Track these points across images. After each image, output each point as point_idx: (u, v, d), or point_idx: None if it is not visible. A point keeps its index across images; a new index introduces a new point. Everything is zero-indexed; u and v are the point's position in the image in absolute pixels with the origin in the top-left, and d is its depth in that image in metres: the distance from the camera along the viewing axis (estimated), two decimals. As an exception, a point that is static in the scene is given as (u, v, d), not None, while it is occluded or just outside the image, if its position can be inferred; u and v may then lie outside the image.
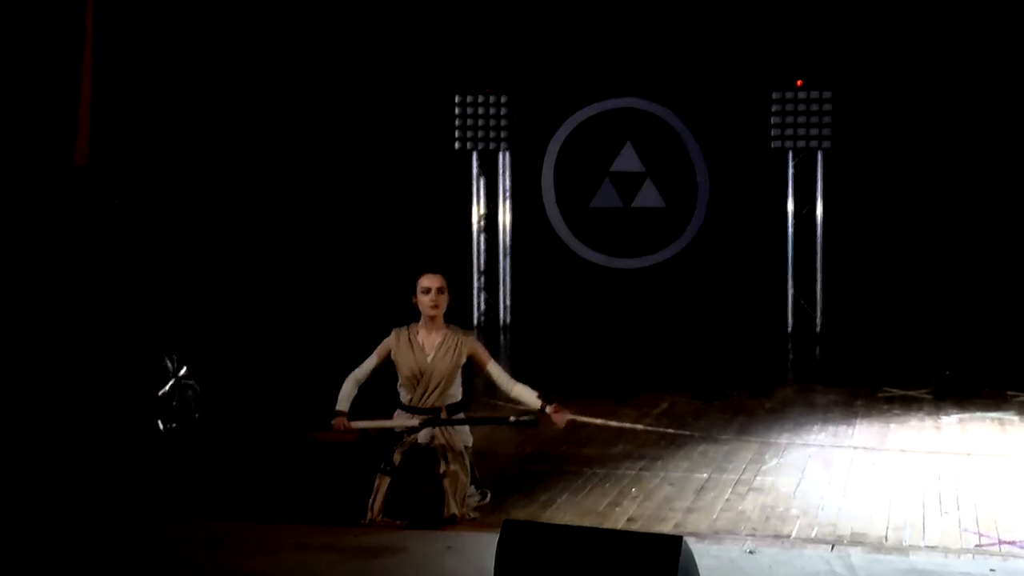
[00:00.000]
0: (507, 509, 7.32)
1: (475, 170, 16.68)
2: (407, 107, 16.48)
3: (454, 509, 7.23)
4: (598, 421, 10.16)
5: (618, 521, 7.25)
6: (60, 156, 12.77)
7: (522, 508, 7.44)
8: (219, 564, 6.40)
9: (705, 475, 8.36)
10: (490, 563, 5.48)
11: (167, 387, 9.69)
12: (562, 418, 7.43)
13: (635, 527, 7.06)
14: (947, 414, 10.55)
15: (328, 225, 16.36)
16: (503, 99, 16.39)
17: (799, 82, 15.48)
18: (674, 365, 13.66)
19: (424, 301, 7.42)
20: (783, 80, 15.55)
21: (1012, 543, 6.85)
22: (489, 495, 7.52)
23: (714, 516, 7.39)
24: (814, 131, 15.48)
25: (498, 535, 5.50)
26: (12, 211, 11.83)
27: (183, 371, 9.86)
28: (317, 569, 6.34)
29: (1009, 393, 11.41)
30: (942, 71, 15.36)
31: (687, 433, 9.73)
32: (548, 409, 7.42)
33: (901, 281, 15.58)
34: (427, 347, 7.46)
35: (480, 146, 16.54)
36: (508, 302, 16.67)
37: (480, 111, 16.44)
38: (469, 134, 16.50)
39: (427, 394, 7.41)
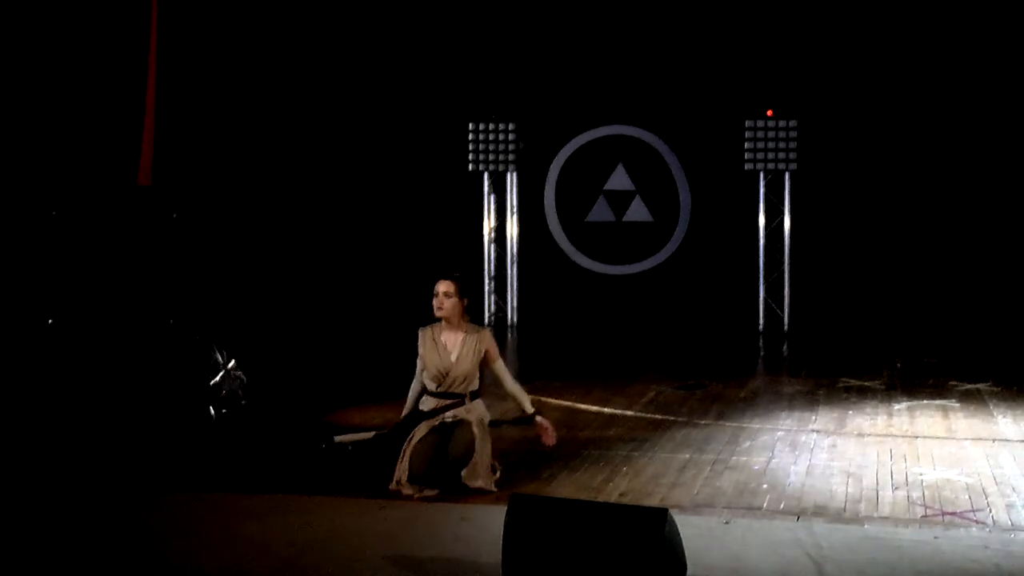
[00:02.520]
0: (514, 484, 7.33)
1: (486, 188, 16.70)
2: (427, 133, 16.52)
3: (480, 482, 7.24)
4: (593, 408, 10.18)
5: (611, 495, 7.25)
6: (125, 177, 12.81)
7: (527, 484, 7.45)
8: (255, 529, 6.43)
9: (687, 455, 8.37)
10: (499, 532, 5.52)
11: (218, 378, 9.71)
12: (548, 434, 7.53)
13: (626, 500, 7.07)
14: (897, 402, 10.54)
15: (359, 237, 16.39)
16: (511, 126, 16.40)
17: (769, 111, 15.48)
18: (660, 359, 13.65)
19: (433, 303, 7.48)
20: (755, 109, 15.54)
21: (953, 514, 6.86)
22: (499, 471, 7.55)
23: (695, 491, 7.39)
24: (782, 155, 15.46)
25: (506, 507, 5.54)
26: (82, 226, 11.86)
27: (232, 364, 9.88)
28: (344, 536, 6.35)
29: (951, 383, 11.41)
30: (895, 103, 15.40)
31: (671, 419, 9.74)
32: (539, 418, 7.57)
33: (858, 284, 15.60)
34: (450, 346, 7.46)
35: (490, 167, 16.54)
36: (515, 304, 16.68)
37: (491, 136, 16.44)
38: (481, 156, 16.50)
39: (453, 386, 7.45)
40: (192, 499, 7.09)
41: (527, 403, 7.66)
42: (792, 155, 15.41)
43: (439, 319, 7.52)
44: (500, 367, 7.64)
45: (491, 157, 16.46)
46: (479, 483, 7.26)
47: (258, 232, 15.48)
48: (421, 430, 7.42)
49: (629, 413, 10.01)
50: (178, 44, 13.73)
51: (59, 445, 8.55)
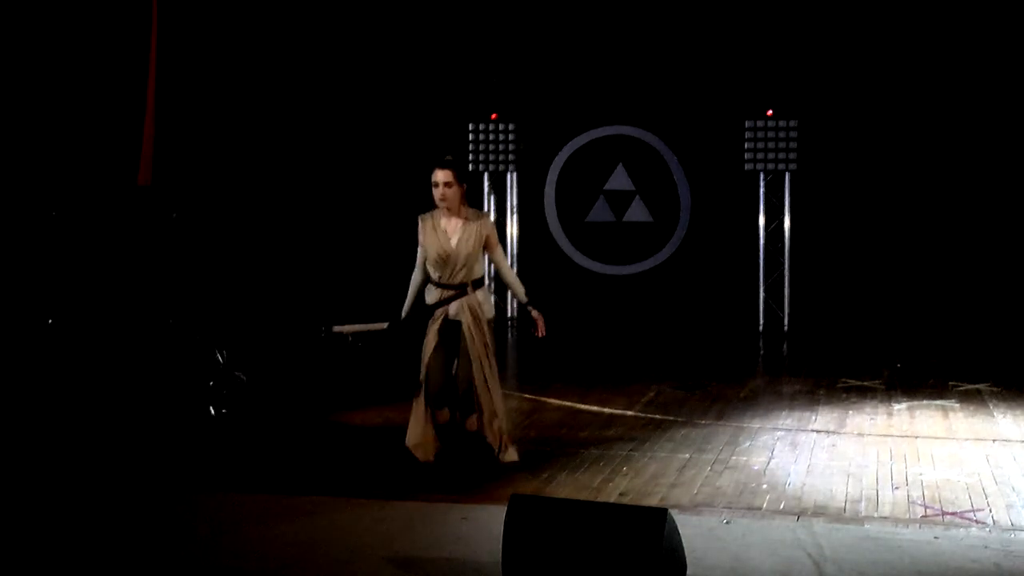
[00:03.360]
0: (514, 484, 7.34)
1: (486, 188, 16.71)
2: (428, 134, 16.52)
3: (512, 455, 7.48)
4: (593, 408, 10.18)
5: (611, 495, 7.25)
6: (125, 177, 12.82)
7: (527, 483, 7.44)
8: (256, 531, 6.44)
9: (687, 455, 8.38)
10: (499, 532, 5.52)
11: (218, 377, 9.72)
12: (540, 325, 7.69)
13: (626, 500, 7.07)
14: (897, 402, 10.55)
15: (358, 238, 16.39)
16: (511, 126, 16.42)
17: (769, 112, 15.48)
18: (660, 359, 13.66)
19: (434, 193, 7.49)
20: (755, 110, 15.55)
21: (953, 514, 6.86)
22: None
23: (694, 491, 7.40)
24: (782, 155, 15.47)
25: (506, 507, 5.54)
26: (82, 226, 11.87)
27: (232, 364, 9.89)
28: (344, 535, 6.36)
29: (951, 383, 11.41)
30: (895, 103, 15.40)
31: (671, 418, 9.74)
32: (533, 312, 7.69)
33: (858, 285, 15.60)
34: (450, 231, 7.50)
35: (491, 167, 16.56)
36: (515, 303, 16.68)
37: (491, 136, 16.46)
38: (481, 157, 16.52)
39: (454, 272, 7.50)
40: (231, 499, 7.09)
41: (521, 293, 7.82)
42: (792, 155, 15.41)
43: (436, 207, 7.58)
44: (499, 255, 7.77)
45: (491, 157, 16.48)
46: (511, 456, 7.52)
47: (258, 232, 15.47)
48: (430, 341, 7.48)
49: (629, 413, 10.02)
50: (178, 44, 13.73)
51: (62, 445, 8.55)
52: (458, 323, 7.52)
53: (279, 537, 6.31)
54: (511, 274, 7.92)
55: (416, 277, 7.65)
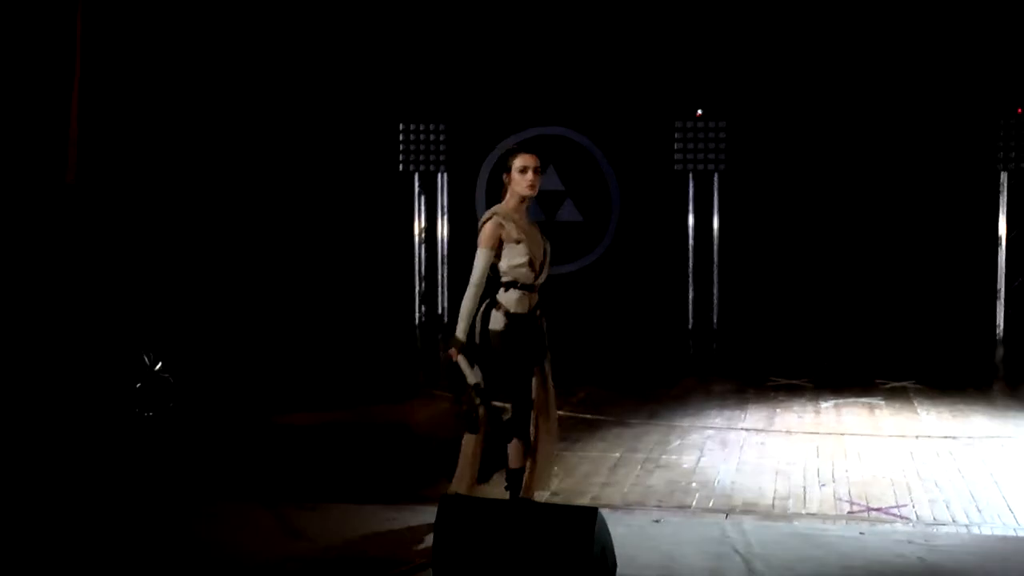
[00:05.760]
0: (444, 486, 7.29)
1: (417, 189, 16.66)
2: (359, 134, 16.45)
3: (547, 484, 6.62)
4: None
5: (543, 495, 7.25)
6: (52, 175, 12.61)
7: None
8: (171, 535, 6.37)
9: (618, 454, 8.41)
10: (431, 533, 5.49)
11: (144, 380, 9.60)
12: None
13: (558, 500, 7.08)
14: (825, 400, 10.67)
15: (290, 236, 16.27)
16: (441, 127, 16.39)
17: (698, 112, 15.60)
18: (591, 359, 13.68)
19: (522, 181, 6.26)
20: (684, 111, 15.66)
21: (879, 510, 6.95)
22: None
23: (625, 490, 7.42)
24: (711, 155, 15.60)
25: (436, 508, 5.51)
26: (6, 224, 11.67)
27: (159, 366, 9.77)
28: (268, 541, 6.30)
29: (877, 381, 11.57)
30: (821, 104, 15.55)
31: (602, 418, 9.78)
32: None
33: (785, 284, 15.74)
34: (529, 227, 6.35)
35: (421, 168, 16.52)
36: (446, 304, 16.64)
37: (421, 137, 16.42)
38: (411, 157, 16.47)
39: (540, 274, 6.35)
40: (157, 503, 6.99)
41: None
42: (721, 155, 15.55)
43: (498, 201, 6.41)
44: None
45: (422, 158, 16.44)
46: (547, 485, 6.69)
47: (187, 232, 15.30)
48: (528, 355, 6.26)
49: (560, 413, 9.98)
50: (103, 42, 13.53)
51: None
52: (542, 333, 6.44)
53: (200, 543, 6.24)
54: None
55: (479, 291, 6.29)
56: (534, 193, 6.29)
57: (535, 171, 6.25)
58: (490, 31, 16.27)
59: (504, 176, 6.33)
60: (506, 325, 6.20)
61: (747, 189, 15.82)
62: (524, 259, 6.24)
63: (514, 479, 6.25)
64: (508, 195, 6.33)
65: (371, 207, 16.44)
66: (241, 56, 15.94)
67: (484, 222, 6.31)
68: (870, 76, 15.37)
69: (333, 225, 16.38)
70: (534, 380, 6.33)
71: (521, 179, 6.26)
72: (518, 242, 6.25)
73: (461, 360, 6.06)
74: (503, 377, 6.20)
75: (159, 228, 14.61)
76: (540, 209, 16.54)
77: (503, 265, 6.28)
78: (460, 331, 6.17)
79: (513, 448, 6.24)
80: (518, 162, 6.26)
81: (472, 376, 6.04)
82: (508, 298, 6.26)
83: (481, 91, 16.46)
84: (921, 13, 15.08)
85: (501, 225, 6.23)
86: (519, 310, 6.25)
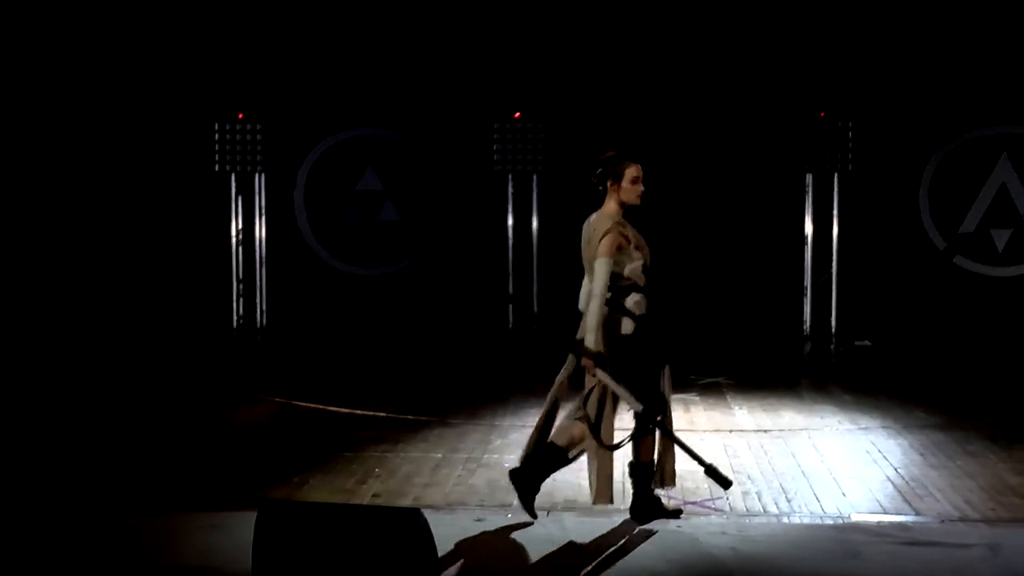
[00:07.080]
0: (264, 490, 7.21)
1: (233, 189, 16.38)
2: (173, 133, 16.07)
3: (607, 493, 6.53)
4: (345, 411, 10.12)
5: (364, 497, 7.23)
6: None
7: (278, 489, 7.34)
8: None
9: (440, 455, 8.42)
10: (251, 539, 5.40)
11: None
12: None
13: (379, 502, 7.06)
14: (642, 396, 10.86)
15: (103, 238, 15.81)
16: (258, 126, 16.13)
17: (517, 115, 15.74)
18: (412, 360, 13.67)
19: (633, 191, 6.52)
20: (503, 113, 15.78)
21: (695, 503, 7.15)
22: None
23: (447, 490, 7.45)
24: (530, 156, 15.76)
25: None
26: None
27: None
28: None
29: (692, 377, 11.86)
30: (635, 108, 15.82)
31: (424, 419, 9.77)
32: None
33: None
34: (637, 233, 6.54)
35: (238, 168, 16.23)
36: (264, 307, 16.40)
37: (238, 137, 16.13)
38: (228, 157, 16.17)
39: (650, 280, 6.53)
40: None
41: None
42: (539, 157, 15.72)
43: (596, 207, 6.66)
44: None
45: (238, 158, 16.15)
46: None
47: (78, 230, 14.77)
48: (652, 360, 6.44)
49: (382, 415, 9.99)
50: None
51: None
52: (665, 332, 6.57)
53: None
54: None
55: (604, 300, 6.34)
56: (638, 202, 6.52)
57: (641, 180, 6.50)
58: (310, 29, 16.10)
59: (608, 183, 6.53)
60: (635, 328, 6.40)
61: (564, 188, 15.99)
62: (641, 263, 6.43)
63: (644, 472, 6.60)
64: (611, 201, 6.54)
65: (187, 208, 16.07)
66: (51, 52, 15.43)
67: (605, 233, 6.39)
68: (685, 81, 15.73)
69: (148, 226, 15.96)
70: (663, 378, 6.53)
71: (632, 188, 6.51)
72: (637, 247, 6.44)
73: (605, 376, 6.30)
74: (636, 379, 6.39)
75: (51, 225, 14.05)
76: (361, 210, 16.48)
77: (625, 271, 6.40)
78: (592, 342, 6.32)
79: (646, 443, 6.57)
80: (632, 171, 6.52)
81: (625, 396, 6.32)
82: (632, 302, 6.43)
83: (299, 90, 16.27)
84: (734, 22, 15.52)
85: (623, 235, 6.38)
86: (642, 312, 6.44)
